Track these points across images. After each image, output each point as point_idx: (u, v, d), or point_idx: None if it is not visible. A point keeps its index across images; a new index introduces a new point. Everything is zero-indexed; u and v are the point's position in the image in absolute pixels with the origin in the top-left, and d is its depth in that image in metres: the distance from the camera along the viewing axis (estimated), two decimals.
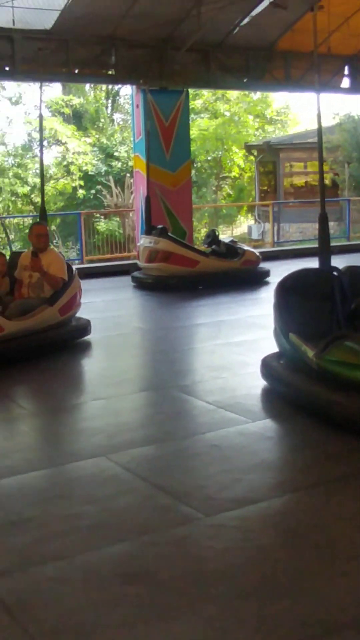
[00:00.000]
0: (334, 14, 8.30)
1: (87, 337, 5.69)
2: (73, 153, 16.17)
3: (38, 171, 14.24)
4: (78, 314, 5.69)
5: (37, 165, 15.50)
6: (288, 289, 4.36)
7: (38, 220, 6.85)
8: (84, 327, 5.35)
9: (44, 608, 1.74)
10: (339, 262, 4.94)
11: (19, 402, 4.37)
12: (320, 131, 5.04)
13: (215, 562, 2.14)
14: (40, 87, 7.27)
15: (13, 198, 17.52)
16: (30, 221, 12.54)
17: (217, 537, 2.35)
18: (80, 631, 1.61)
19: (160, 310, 7.17)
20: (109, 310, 7.05)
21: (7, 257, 5.20)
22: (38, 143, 15.54)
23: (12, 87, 17.68)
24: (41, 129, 7.42)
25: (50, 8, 7.63)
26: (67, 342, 5.09)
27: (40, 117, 7.52)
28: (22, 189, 17.06)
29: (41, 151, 7.86)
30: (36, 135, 16.89)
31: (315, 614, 1.64)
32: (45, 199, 8.03)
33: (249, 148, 17.86)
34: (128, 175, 13.50)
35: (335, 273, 4.36)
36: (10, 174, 17.37)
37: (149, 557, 2.18)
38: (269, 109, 19.56)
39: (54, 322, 4.79)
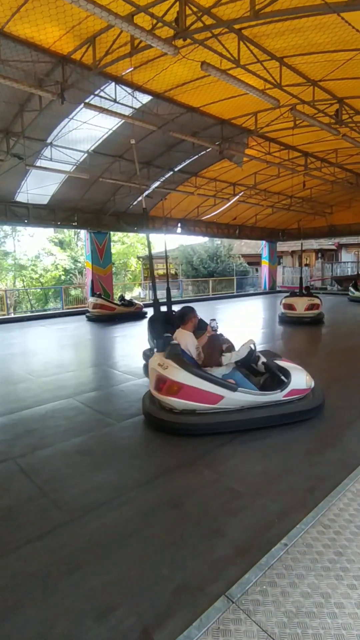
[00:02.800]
0: (173, 201, 15.65)
1: (65, 342, 9.42)
2: (60, 259, 25.67)
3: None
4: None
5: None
6: (153, 319, 6.71)
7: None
8: None
9: (42, 469, 3.17)
10: (175, 307, 6.54)
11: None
12: (165, 249, 7.28)
13: (122, 442, 3.80)
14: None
15: None
16: None
17: (123, 431, 4.05)
18: (56, 477, 3.05)
19: (99, 330, 11.13)
20: (76, 330, 11.38)
21: None
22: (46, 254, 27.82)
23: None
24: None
25: (45, 194, 12.89)
26: None
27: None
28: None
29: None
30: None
31: (168, 462, 3.33)
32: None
33: (138, 258, 29.87)
34: (84, 270, 21.44)
35: (173, 312, 6.34)
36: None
37: (92, 443, 3.73)
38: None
39: None
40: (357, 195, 19.07)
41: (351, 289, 17.81)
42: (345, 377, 6.14)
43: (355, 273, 22.56)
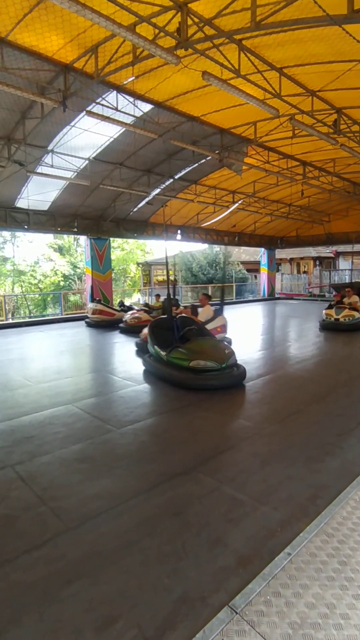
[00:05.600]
0: (173, 208, 15.90)
1: (64, 347, 9.21)
2: (59, 265, 25.97)
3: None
4: None
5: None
6: (154, 325, 7.05)
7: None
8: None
9: (41, 477, 3.26)
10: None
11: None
12: (167, 256, 7.11)
13: (122, 449, 3.75)
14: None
15: None
16: None
17: (122, 438, 4.04)
18: (55, 485, 3.09)
19: (98, 336, 11.16)
20: (75, 336, 11.33)
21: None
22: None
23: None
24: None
25: (46, 200, 13.17)
26: None
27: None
28: None
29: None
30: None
31: (168, 470, 3.30)
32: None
33: (138, 264, 29.97)
34: (83, 275, 21.61)
35: (174, 317, 6.75)
36: None
37: (91, 450, 3.69)
38: (147, 247, 32.62)
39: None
40: (354, 204, 19.21)
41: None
42: (348, 385, 6.12)
43: (351, 281, 22.58)
